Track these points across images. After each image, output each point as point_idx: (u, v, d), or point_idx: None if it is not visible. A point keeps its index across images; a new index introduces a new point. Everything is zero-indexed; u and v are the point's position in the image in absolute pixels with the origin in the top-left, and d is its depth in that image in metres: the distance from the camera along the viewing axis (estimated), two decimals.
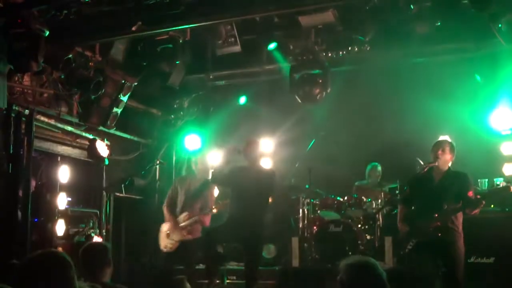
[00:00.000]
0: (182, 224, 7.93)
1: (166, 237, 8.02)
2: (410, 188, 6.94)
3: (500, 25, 6.73)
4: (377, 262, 3.72)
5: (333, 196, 9.19)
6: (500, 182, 8.09)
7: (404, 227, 6.73)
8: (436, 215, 6.40)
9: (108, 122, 8.38)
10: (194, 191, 8.07)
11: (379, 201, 9.07)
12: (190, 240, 7.92)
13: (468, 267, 6.61)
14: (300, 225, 9.31)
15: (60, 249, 7.44)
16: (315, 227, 8.97)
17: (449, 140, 6.88)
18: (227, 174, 7.52)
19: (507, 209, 7.48)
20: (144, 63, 8.12)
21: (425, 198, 6.64)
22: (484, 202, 6.33)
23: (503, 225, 7.35)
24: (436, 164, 6.62)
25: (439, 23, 7.38)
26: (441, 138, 7.60)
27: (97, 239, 8.15)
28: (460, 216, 6.47)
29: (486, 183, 8.17)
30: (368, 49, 7.97)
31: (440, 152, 6.58)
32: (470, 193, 6.42)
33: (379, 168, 9.87)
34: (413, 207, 6.86)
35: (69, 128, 8.21)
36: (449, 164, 6.67)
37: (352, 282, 3.63)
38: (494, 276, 7.11)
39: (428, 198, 6.60)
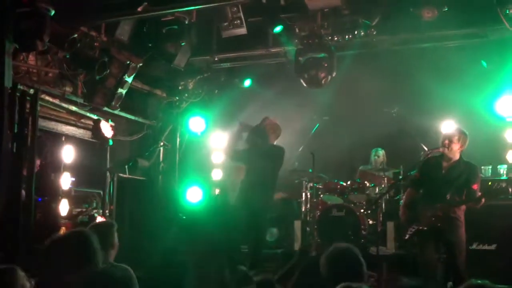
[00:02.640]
0: None
1: None
2: (419, 172, 6.90)
3: (507, 11, 6.67)
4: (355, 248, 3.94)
5: (336, 181, 9.23)
6: (503, 169, 8.10)
7: (405, 213, 6.73)
8: (439, 205, 6.40)
9: (113, 103, 8.35)
10: None
11: (382, 186, 9.09)
12: None
13: (470, 254, 6.64)
14: (303, 209, 9.34)
15: (63, 229, 7.50)
16: (317, 211, 9.01)
17: (460, 129, 6.77)
18: (242, 151, 7.66)
19: (510, 196, 7.48)
20: (150, 44, 8.10)
21: (430, 186, 6.63)
22: (484, 200, 6.32)
23: (505, 212, 7.35)
24: (441, 150, 6.59)
25: (446, 8, 7.33)
26: (447, 123, 7.61)
27: (100, 219, 8.18)
28: (462, 206, 6.48)
29: (490, 170, 8.17)
30: (374, 33, 7.92)
31: (446, 142, 6.53)
32: (475, 186, 6.40)
33: (383, 153, 9.88)
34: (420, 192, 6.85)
35: (73, 108, 8.21)
36: (459, 154, 6.61)
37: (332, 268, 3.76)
38: (496, 262, 7.12)
39: (433, 186, 6.58)
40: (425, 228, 6.46)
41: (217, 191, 10.08)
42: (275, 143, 7.86)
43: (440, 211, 6.38)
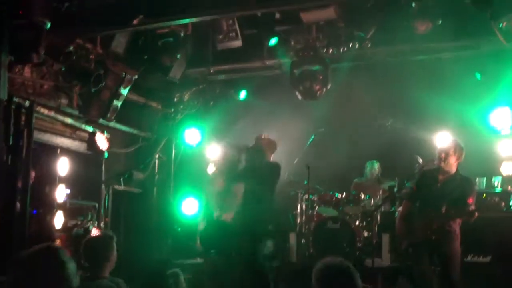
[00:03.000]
0: None
1: None
2: (416, 185, 6.90)
3: (501, 25, 6.70)
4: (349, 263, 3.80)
5: (331, 193, 9.22)
6: (497, 181, 8.12)
7: (401, 226, 6.73)
8: (434, 218, 6.40)
9: (108, 115, 8.36)
10: None
11: (378, 198, 9.09)
12: None
13: (464, 266, 6.64)
14: (298, 221, 9.32)
15: (58, 241, 7.47)
16: (313, 223, 9.00)
17: (456, 140, 6.78)
18: (239, 171, 7.66)
19: (504, 209, 7.51)
20: (145, 57, 8.12)
21: (426, 199, 6.63)
22: (477, 214, 6.32)
23: (500, 224, 7.36)
24: (436, 163, 6.61)
25: (440, 21, 7.37)
26: (441, 135, 7.62)
27: (95, 232, 8.15)
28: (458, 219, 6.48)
29: (485, 182, 8.19)
30: (369, 45, 7.95)
31: (443, 155, 6.53)
32: (470, 200, 6.39)
33: (378, 165, 9.89)
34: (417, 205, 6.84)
35: (69, 120, 8.20)
36: (456, 167, 6.61)
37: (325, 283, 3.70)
38: (490, 275, 7.12)
39: (429, 199, 6.58)
40: (420, 241, 6.46)
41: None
42: (271, 158, 7.85)
43: (435, 224, 6.38)
